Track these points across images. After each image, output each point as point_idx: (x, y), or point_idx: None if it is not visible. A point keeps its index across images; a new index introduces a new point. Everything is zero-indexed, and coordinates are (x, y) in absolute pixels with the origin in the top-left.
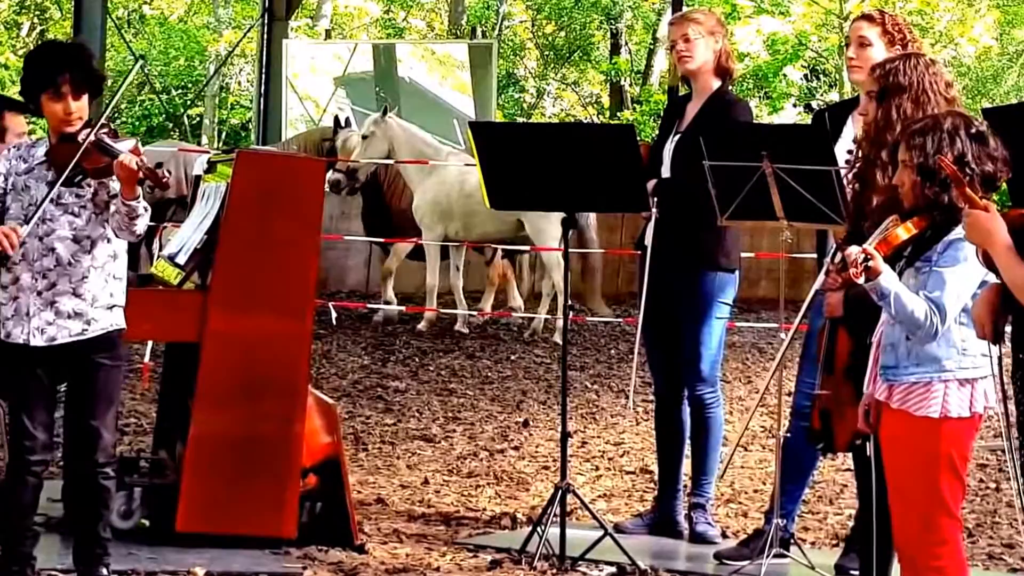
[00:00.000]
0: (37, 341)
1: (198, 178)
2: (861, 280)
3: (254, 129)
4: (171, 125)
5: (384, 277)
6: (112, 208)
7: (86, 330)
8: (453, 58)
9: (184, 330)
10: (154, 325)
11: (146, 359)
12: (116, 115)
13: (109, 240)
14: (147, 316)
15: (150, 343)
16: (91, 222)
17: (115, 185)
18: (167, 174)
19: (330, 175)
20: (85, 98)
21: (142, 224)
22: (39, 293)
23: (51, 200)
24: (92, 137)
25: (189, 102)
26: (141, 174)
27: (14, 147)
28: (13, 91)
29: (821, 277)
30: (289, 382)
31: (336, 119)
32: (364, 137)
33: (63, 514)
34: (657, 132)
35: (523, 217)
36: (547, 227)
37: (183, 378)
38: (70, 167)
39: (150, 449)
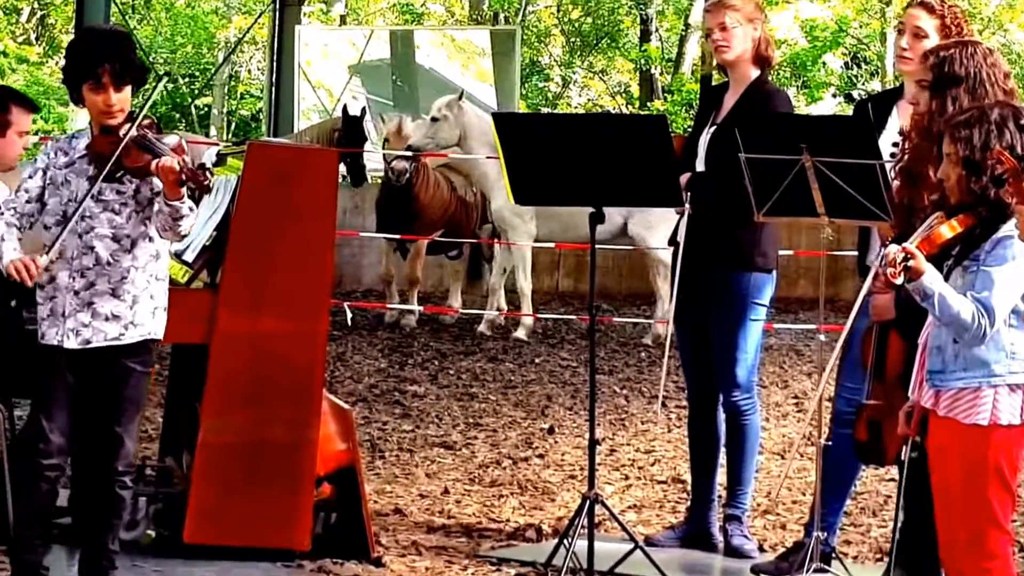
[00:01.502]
0: (71, 343)
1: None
2: (900, 280)
3: (265, 120)
4: (178, 116)
5: (411, 282)
6: (155, 207)
7: (123, 335)
8: (474, 45)
9: (192, 331)
10: None
11: None
12: None
13: (151, 239)
14: None
15: None
16: (132, 220)
17: (159, 182)
18: (209, 175)
19: (395, 162)
20: (127, 90)
21: (187, 224)
22: (76, 293)
23: (90, 196)
24: (133, 132)
25: (197, 91)
26: (183, 175)
27: (55, 140)
28: (13, 79)
29: (869, 279)
30: (302, 386)
31: (344, 109)
32: (434, 119)
33: (71, 524)
34: (690, 123)
35: (630, 218)
36: (657, 226)
37: (191, 382)
38: (110, 163)
39: (156, 456)
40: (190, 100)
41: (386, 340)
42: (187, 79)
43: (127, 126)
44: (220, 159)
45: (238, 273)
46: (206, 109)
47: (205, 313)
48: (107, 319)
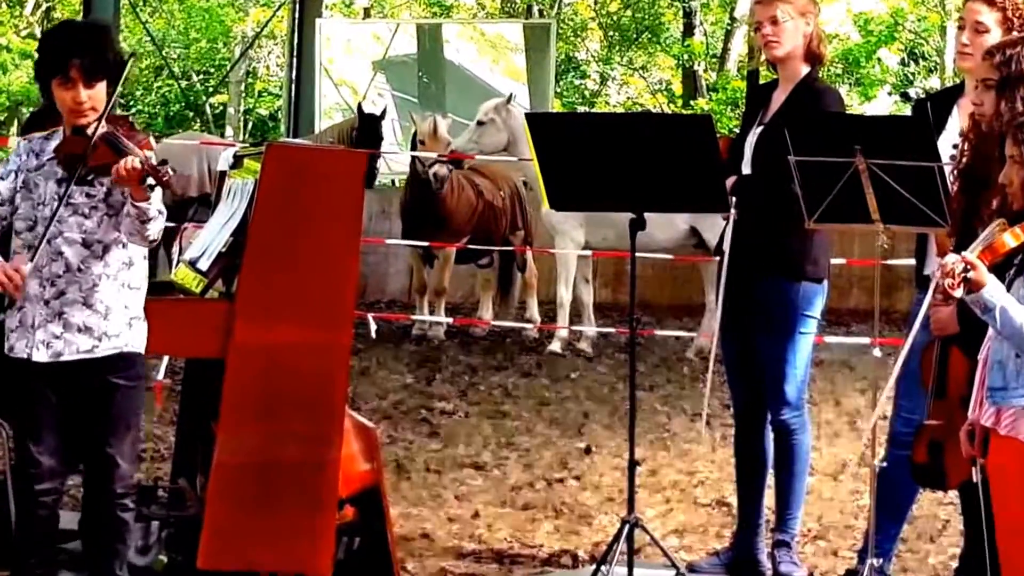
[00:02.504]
0: (41, 356)
1: (222, 174)
2: (959, 292)
3: (284, 119)
4: (192, 115)
5: (438, 292)
6: (125, 209)
7: (96, 347)
8: (506, 39)
9: (206, 344)
10: (173, 338)
11: (160, 376)
12: (132, 103)
13: (124, 246)
14: (165, 328)
15: (166, 358)
16: (103, 224)
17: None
18: (170, 172)
19: (437, 168)
20: (100, 86)
21: (155, 228)
22: (46, 302)
23: (58, 199)
24: (103, 129)
25: (212, 89)
26: (144, 169)
27: (27, 140)
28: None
29: (931, 291)
30: (324, 402)
31: (359, 106)
32: (480, 123)
33: (82, 549)
34: (736, 122)
35: (698, 223)
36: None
37: (205, 398)
38: (79, 166)
39: (168, 478)
40: (204, 98)
41: (412, 354)
42: (201, 76)
43: (96, 125)
44: (237, 161)
45: (256, 282)
46: (221, 108)
47: (220, 325)
48: (79, 330)
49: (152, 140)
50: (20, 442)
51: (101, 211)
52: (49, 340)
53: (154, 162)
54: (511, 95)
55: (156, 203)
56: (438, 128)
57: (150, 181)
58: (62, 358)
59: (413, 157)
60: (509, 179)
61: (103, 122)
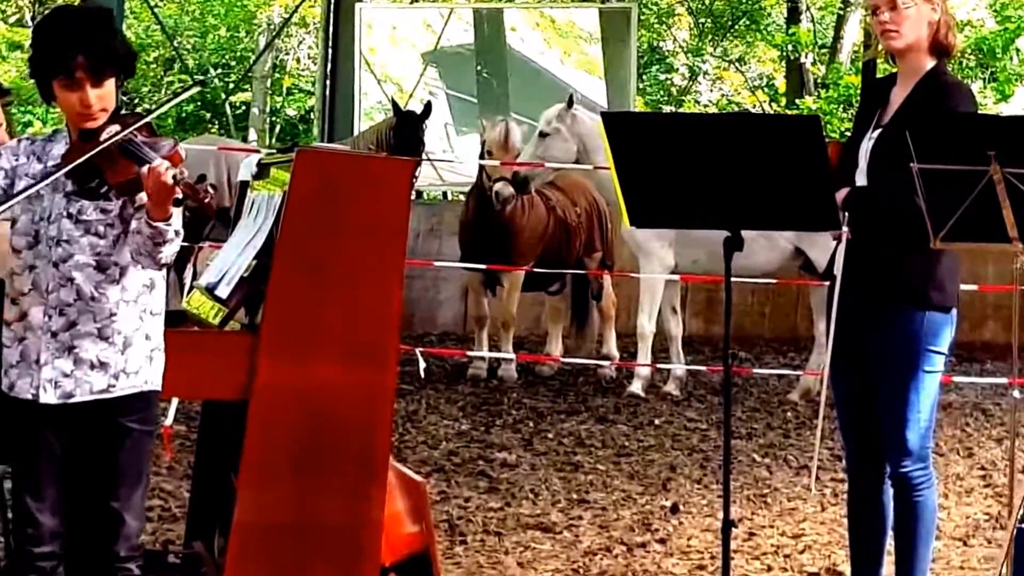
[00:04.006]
0: (48, 397)
1: (244, 185)
2: None
3: (317, 121)
4: (208, 116)
5: (504, 324)
6: (133, 225)
7: (113, 387)
8: (579, 27)
9: (226, 384)
10: (187, 378)
11: (168, 421)
12: (138, 102)
13: (143, 265)
14: (178, 366)
15: (175, 400)
16: (119, 244)
17: (143, 196)
18: (210, 191)
19: (499, 186)
20: (110, 83)
21: (170, 251)
22: (54, 334)
23: (68, 216)
24: (118, 137)
25: (232, 86)
26: (178, 190)
27: (27, 140)
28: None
29: None
30: (364, 453)
31: (394, 103)
32: (543, 135)
33: None
34: (848, 124)
35: (804, 242)
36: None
37: (224, 447)
38: (92, 180)
39: (181, 540)
40: (224, 97)
41: (468, 396)
42: (220, 70)
43: (113, 128)
44: (261, 170)
45: (284, 312)
46: (243, 108)
47: (243, 362)
48: (92, 367)
49: (181, 149)
50: (17, 497)
51: (117, 229)
52: (57, 379)
53: (189, 179)
54: (571, 97)
55: (176, 223)
56: (510, 137)
57: (189, 203)
58: (73, 399)
59: (481, 167)
60: (587, 192)
61: (125, 130)
